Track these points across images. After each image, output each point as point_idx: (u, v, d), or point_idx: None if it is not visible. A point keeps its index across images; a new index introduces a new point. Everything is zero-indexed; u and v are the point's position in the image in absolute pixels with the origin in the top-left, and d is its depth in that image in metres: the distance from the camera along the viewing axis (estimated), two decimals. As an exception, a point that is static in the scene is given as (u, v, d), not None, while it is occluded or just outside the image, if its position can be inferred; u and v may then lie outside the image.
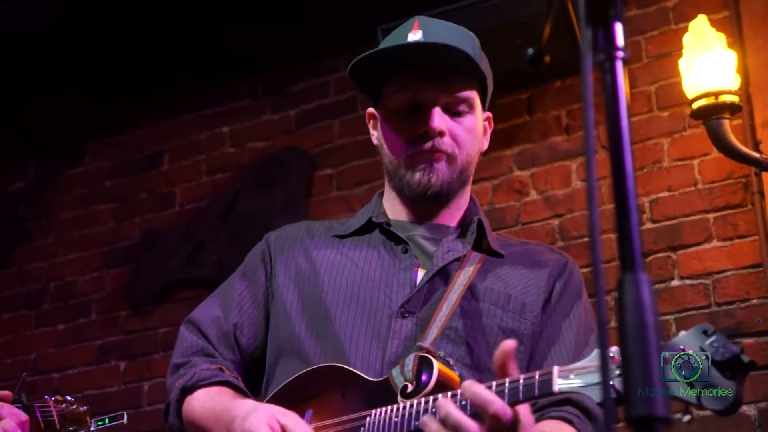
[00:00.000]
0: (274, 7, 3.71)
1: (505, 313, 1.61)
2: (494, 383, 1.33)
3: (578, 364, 1.27)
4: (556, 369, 1.28)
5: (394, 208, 1.75)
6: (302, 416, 1.51)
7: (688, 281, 2.87)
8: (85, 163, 4.17)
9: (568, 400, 1.56)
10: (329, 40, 3.71)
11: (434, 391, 1.39)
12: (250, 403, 1.54)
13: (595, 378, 1.23)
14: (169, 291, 3.69)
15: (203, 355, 1.70)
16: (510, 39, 3.12)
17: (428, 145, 1.64)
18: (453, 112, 1.68)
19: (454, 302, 1.58)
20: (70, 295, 3.91)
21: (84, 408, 2.01)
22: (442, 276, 1.63)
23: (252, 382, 1.71)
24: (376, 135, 1.79)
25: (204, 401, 1.60)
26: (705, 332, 1.14)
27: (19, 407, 1.92)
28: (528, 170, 3.27)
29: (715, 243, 2.88)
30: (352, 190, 3.55)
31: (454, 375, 1.45)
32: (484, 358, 1.53)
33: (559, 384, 1.27)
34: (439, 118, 1.64)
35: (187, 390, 1.63)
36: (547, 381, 1.28)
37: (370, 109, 1.80)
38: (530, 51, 0.88)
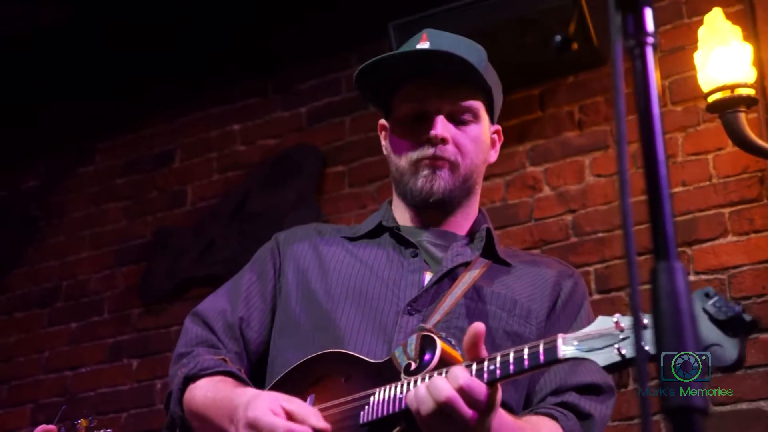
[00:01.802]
0: (284, 4, 3.71)
1: (510, 317, 1.64)
2: (498, 354, 1.35)
3: (582, 331, 1.30)
4: (560, 336, 1.31)
5: (401, 215, 1.78)
6: (304, 401, 1.51)
7: (703, 276, 2.85)
8: (96, 161, 4.17)
9: (563, 403, 1.59)
10: (340, 37, 3.70)
11: (437, 368, 1.40)
12: (251, 391, 1.54)
13: (599, 343, 1.26)
14: (181, 289, 3.68)
15: (207, 346, 1.70)
16: (522, 34, 3.11)
17: (431, 152, 1.67)
18: (457, 121, 1.71)
19: (458, 296, 1.60)
20: (83, 293, 3.92)
21: (110, 430, 2.01)
22: (450, 278, 1.65)
23: (256, 375, 1.71)
24: (385, 145, 1.83)
25: (205, 390, 1.60)
26: (707, 295, 1.18)
27: None
28: (541, 166, 3.25)
29: (730, 238, 2.86)
30: (364, 187, 3.54)
31: (456, 353, 1.46)
32: None
33: (563, 350, 1.29)
34: (442, 126, 1.68)
35: (190, 379, 1.62)
36: (552, 348, 1.30)
37: (381, 121, 1.84)
38: (558, 39, 0.87)
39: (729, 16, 2.81)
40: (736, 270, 2.82)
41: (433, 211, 1.73)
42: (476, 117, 1.73)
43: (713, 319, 1.15)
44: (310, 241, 1.79)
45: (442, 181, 1.68)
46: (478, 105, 1.73)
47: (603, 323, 1.28)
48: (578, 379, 1.61)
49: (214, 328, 1.72)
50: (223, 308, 1.75)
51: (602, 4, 2.99)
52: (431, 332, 1.48)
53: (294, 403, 1.46)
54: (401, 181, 1.73)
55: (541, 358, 1.30)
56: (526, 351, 1.32)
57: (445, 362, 1.41)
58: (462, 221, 1.76)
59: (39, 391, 3.82)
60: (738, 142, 2.67)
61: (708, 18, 2.75)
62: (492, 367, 1.33)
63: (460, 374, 1.32)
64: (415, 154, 1.69)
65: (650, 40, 0.80)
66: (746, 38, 2.78)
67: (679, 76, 3.06)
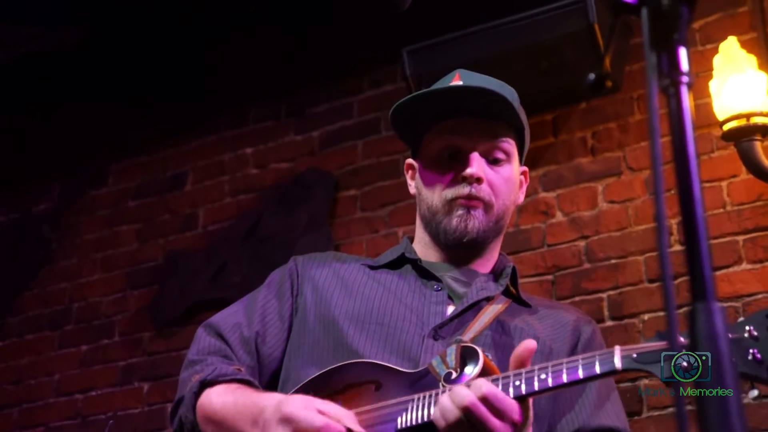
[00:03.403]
0: (298, 29, 3.73)
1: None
2: (550, 363, 1.35)
3: (640, 345, 1.31)
4: (617, 348, 1.31)
5: (425, 252, 1.77)
6: None
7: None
8: (108, 184, 4.18)
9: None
10: (353, 62, 3.72)
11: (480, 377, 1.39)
12: (278, 395, 1.53)
13: (657, 357, 1.27)
14: (193, 312, 3.68)
15: (221, 356, 1.68)
16: (535, 60, 3.12)
17: (466, 191, 1.66)
18: (491, 160, 1.70)
19: (483, 325, 1.60)
20: (94, 316, 3.91)
21: None
22: (474, 311, 1.65)
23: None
24: (413, 185, 1.81)
25: (224, 395, 1.57)
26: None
27: None
28: (553, 192, 3.25)
29: (744, 265, 2.84)
30: (376, 212, 3.54)
31: (495, 367, 1.45)
32: None
33: (620, 362, 1.30)
34: (477, 164, 1.67)
35: (206, 384, 1.60)
36: (609, 359, 1.30)
37: (409, 160, 1.83)
38: (592, 76, 0.87)
39: (744, 44, 2.82)
40: (751, 298, 2.81)
41: (461, 250, 1.72)
42: (509, 156, 1.73)
43: None
44: (330, 266, 1.78)
45: (477, 221, 1.67)
46: (511, 144, 1.73)
47: (662, 337, 1.30)
48: (599, 422, 1.61)
49: (229, 340, 1.70)
50: (239, 322, 1.73)
51: (615, 30, 3.00)
52: (470, 345, 1.47)
53: (328, 405, 1.44)
54: (433, 220, 1.71)
55: (597, 368, 1.31)
56: (580, 360, 1.32)
57: (487, 373, 1.40)
58: (486, 261, 1.76)
59: (50, 414, 3.81)
60: (753, 170, 2.67)
61: (723, 46, 2.76)
62: (543, 376, 1.34)
63: (482, 383, 1.32)
64: (449, 193, 1.68)
65: (685, 79, 0.81)
66: (761, 66, 2.78)
67: (692, 104, 3.06)
